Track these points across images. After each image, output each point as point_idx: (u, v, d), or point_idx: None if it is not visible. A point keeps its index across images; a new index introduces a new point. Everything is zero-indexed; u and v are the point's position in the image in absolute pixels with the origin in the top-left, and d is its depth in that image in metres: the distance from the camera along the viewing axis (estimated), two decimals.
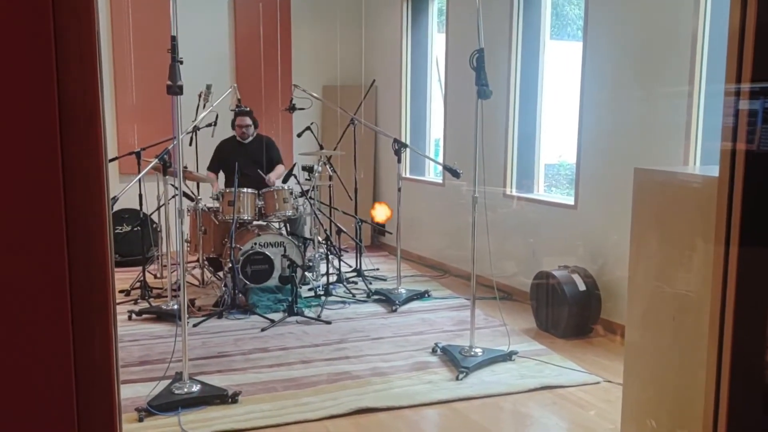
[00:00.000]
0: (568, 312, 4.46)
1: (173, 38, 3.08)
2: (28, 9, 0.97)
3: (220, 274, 5.50)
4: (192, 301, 5.07)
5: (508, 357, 4.06)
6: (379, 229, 7.45)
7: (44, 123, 0.99)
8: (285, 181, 5.51)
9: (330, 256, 5.79)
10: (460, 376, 3.80)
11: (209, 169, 5.86)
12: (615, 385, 3.64)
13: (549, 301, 4.61)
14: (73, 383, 1.03)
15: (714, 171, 2.12)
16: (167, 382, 3.56)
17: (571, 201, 5.01)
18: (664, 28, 4.15)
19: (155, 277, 5.84)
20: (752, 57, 2.00)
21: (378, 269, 6.38)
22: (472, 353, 4.02)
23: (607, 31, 4.58)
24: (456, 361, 3.95)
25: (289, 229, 5.77)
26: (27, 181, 0.99)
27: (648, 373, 2.79)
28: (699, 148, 3.98)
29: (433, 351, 4.21)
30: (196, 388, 3.49)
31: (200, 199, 5.56)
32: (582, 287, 4.49)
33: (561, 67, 5.47)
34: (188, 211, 5.40)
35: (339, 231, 5.90)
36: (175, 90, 3.11)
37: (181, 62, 3.11)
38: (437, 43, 6.85)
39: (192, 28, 6.21)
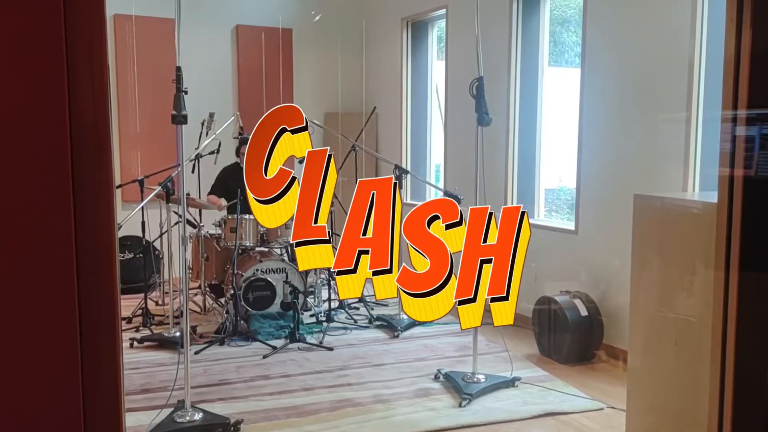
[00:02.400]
0: (571, 338, 4.45)
1: (178, 69, 3.13)
2: (41, 39, 1.00)
3: (222, 300, 5.50)
4: (194, 328, 5.07)
5: (510, 383, 4.04)
6: None
7: (56, 151, 1.01)
8: None
9: (331, 282, 5.79)
10: (463, 402, 3.78)
11: (211, 192, 5.86)
12: (618, 411, 3.62)
13: (551, 327, 4.60)
14: (81, 410, 1.03)
15: (713, 197, 2.14)
16: (169, 410, 3.54)
17: (571, 226, 5.02)
18: (661, 54, 4.21)
19: (157, 304, 5.84)
20: (748, 83, 2.03)
21: None
22: (475, 379, 4.01)
23: (604, 58, 4.64)
24: (459, 387, 3.93)
25: (290, 255, 5.78)
26: (39, 207, 1.01)
27: (651, 398, 2.78)
28: (698, 173, 4.01)
29: (436, 377, 4.19)
30: (198, 416, 3.47)
31: (203, 225, 5.58)
32: (584, 312, 4.48)
33: (560, 93, 5.53)
34: (190, 237, 5.42)
35: None
36: (179, 119, 3.16)
37: (186, 92, 3.15)
38: (437, 70, 6.93)
39: (195, 56, 6.29)
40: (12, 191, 0.99)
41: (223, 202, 5.67)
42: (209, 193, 5.86)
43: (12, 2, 0.96)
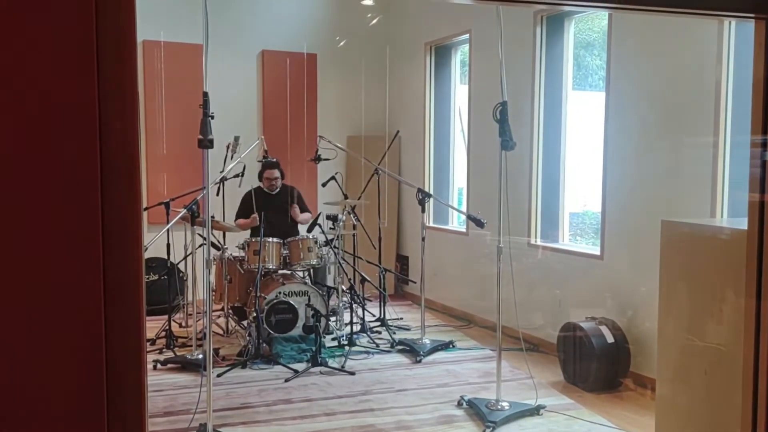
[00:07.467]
0: (597, 365, 4.37)
1: (205, 94, 3.18)
2: (73, 67, 1.02)
3: (245, 323, 5.51)
4: (216, 351, 5.07)
5: (535, 411, 3.98)
6: (402, 278, 7.44)
7: (87, 176, 1.03)
8: (310, 230, 5.56)
9: (354, 305, 5.77)
10: (487, 431, 3.72)
11: (238, 217, 5.90)
12: None
13: (577, 354, 4.53)
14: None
15: (742, 223, 2.11)
16: None
17: (597, 251, 4.96)
18: (687, 78, 4.18)
19: (180, 326, 5.87)
20: None
21: (402, 319, 6.34)
22: (499, 407, 3.95)
23: (629, 82, 4.61)
24: (482, 415, 3.87)
25: (313, 278, 5.78)
26: (69, 230, 1.02)
27: (680, 428, 2.71)
28: (726, 199, 3.95)
29: (459, 404, 4.14)
30: None
31: (226, 248, 5.62)
32: (610, 339, 4.41)
33: (584, 116, 5.51)
34: (214, 260, 5.45)
35: (363, 280, 5.89)
36: (206, 144, 3.19)
37: (212, 117, 3.19)
38: (460, 94, 6.95)
39: (221, 81, 6.39)
40: (43, 214, 1.00)
41: (255, 219, 5.66)
42: (236, 219, 5.90)
43: (46, 30, 0.98)
